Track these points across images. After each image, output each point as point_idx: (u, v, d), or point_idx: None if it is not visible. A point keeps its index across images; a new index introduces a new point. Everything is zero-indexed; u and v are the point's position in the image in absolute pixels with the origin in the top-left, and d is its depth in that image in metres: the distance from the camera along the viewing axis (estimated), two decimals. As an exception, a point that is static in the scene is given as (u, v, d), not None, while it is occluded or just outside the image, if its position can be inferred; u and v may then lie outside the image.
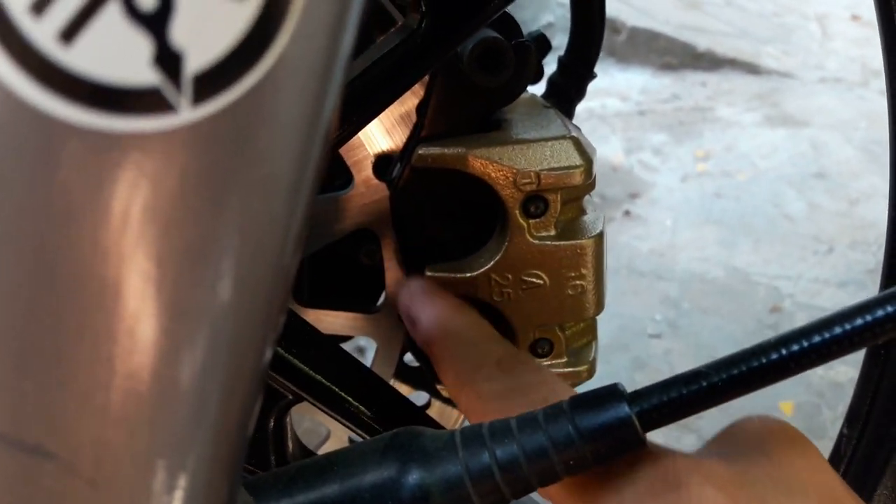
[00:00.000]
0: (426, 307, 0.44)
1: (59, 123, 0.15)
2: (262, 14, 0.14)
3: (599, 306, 0.49)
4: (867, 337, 0.30)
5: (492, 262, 0.47)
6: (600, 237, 0.48)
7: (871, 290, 1.96)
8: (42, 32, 0.14)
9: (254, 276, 0.18)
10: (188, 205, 0.16)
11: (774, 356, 0.30)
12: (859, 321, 0.30)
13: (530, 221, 0.47)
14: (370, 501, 0.29)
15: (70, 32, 0.14)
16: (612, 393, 0.30)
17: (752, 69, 3.50)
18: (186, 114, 0.15)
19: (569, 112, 0.64)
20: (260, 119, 0.16)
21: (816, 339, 0.30)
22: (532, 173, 0.46)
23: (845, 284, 1.97)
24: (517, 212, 0.46)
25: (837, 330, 0.30)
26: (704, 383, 0.30)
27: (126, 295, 0.16)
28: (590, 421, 0.30)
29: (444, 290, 0.46)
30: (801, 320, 1.83)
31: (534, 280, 0.47)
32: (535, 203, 0.46)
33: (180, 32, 0.14)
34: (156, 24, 0.14)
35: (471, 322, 0.44)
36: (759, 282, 2.00)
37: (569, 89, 0.62)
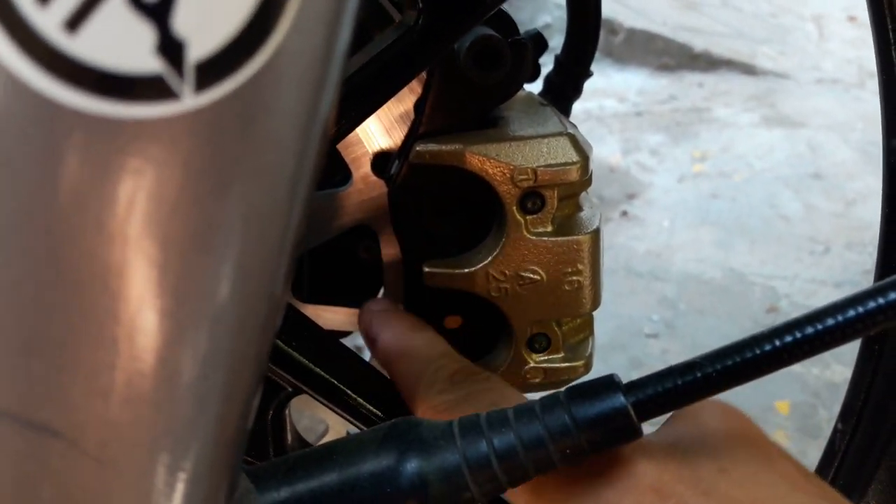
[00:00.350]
0: (384, 327, 0.46)
1: (65, 110, 0.15)
2: (262, 4, 0.15)
3: (596, 302, 0.49)
4: (860, 328, 0.30)
5: (489, 258, 0.48)
6: (597, 233, 0.48)
7: (868, 289, 1.96)
8: (48, 21, 0.14)
9: (255, 260, 0.18)
10: (191, 191, 0.16)
11: (768, 347, 0.30)
12: (852, 312, 0.30)
13: (527, 218, 0.47)
14: (369, 490, 0.29)
15: (75, 21, 0.14)
16: (608, 383, 0.31)
17: (748, 70, 3.50)
18: (189, 101, 0.15)
19: (566, 110, 0.64)
20: (261, 107, 0.16)
21: (809, 330, 0.31)
22: (529, 170, 0.46)
23: (841, 285, 1.98)
24: (514, 208, 0.47)
25: (830, 321, 0.31)
26: (699, 374, 0.30)
27: (130, 279, 0.16)
28: (586, 411, 0.30)
29: (402, 311, 0.48)
30: (797, 320, 1.83)
31: (531, 276, 0.48)
32: (532, 199, 0.47)
33: (182, 21, 0.15)
34: (158, 13, 0.14)
35: (426, 340, 0.46)
36: (756, 282, 2.01)
37: (566, 87, 0.63)
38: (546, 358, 0.50)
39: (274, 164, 0.17)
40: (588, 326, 0.52)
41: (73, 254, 0.16)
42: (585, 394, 0.30)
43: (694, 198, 2.45)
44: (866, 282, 2.02)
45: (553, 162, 0.46)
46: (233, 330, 0.18)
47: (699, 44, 3.57)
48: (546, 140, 0.47)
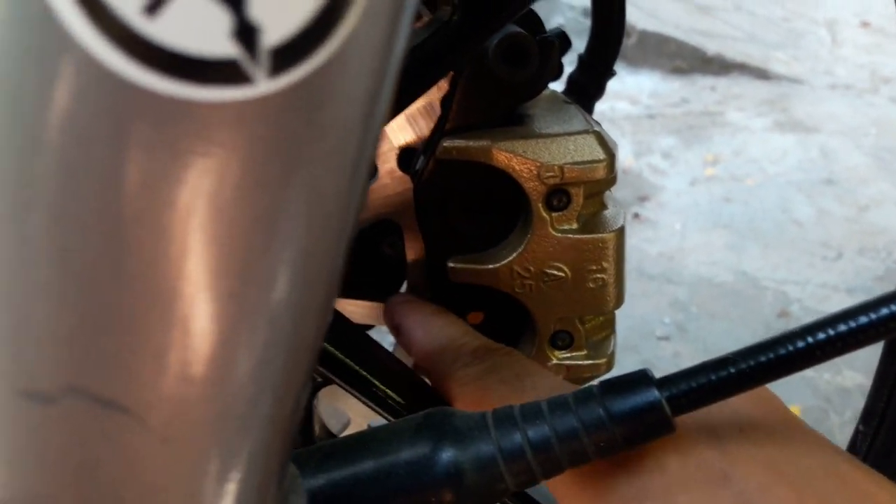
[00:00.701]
0: (407, 315, 0.47)
1: (141, 91, 0.15)
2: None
3: (619, 300, 0.50)
4: (892, 327, 0.31)
5: (514, 255, 0.48)
6: (621, 231, 0.49)
7: (880, 295, 1.96)
8: (128, 4, 0.15)
9: (317, 246, 0.18)
10: (258, 175, 0.16)
11: (801, 344, 0.31)
12: (885, 311, 0.30)
13: (553, 215, 0.47)
14: (405, 478, 0.29)
15: (154, 5, 0.15)
16: (641, 378, 0.31)
17: (761, 74, 3.50)
18: (262, 86, 0.15)
19: (588, 109, 0.64)
20: (330, 94, 0.16)
21: (842, 328, 0.31)
22: (556, 167, 0.46)
23: (853, 291, 1.98)
24: (540, 205, 0.47)
25: (863, 319, 0.31)
26: (732, 370, 0.31)
27: (198, 260, 0.17)
28: (620, 404, 0.30)
29: (423, 300, 0.49)
30: (809, 325, 1.82)
31: (556, 273, 0.48)
32: (557, 196, 0.47)
33: (258, 7, 0.15)
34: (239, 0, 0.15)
35: (447, 322, 0.47)
36: (768, 286, 2.00)
37: (588, 86, 0.63)
38: (569, 355, 0.50)
39: (338, 152, 0.17)
40: (610, 324, 0.53)
41: (144, 233, 0.16)
42: (619, 388, 0.31)
43: (706, 201, 2.45)
44: (879, 288, 2.01)
45: (580, 159, 0.47)
46: (294, 315, 0.19)
47: (712, 47, 3.57)
48: (573, 137, 0.47)
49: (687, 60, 3.52)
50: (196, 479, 0.19)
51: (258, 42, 0.15)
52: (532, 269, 0.48)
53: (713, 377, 0.31)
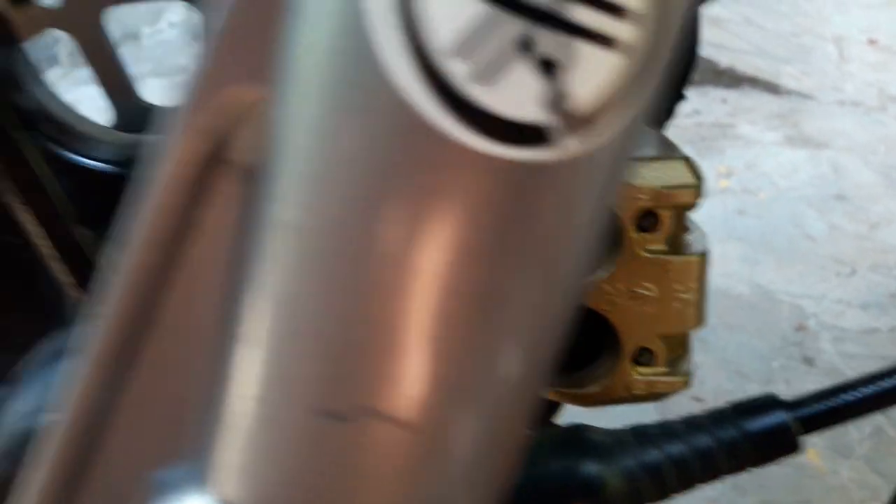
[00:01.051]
0: None
1: (460, 146, 0.17)
2: (642, 69, 0.17)
3: (701, 320, 0.52)
4: None
5: (603, 272, 0.50)
6: (707, 255, 0.51)
7: (894, 313, 1.99)
8: (461, 72, 0.17)
9: (570, 282, 0.21)
10: (543, 220, 0.18)
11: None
12: None
13: (643, 235, 0.49)
14: (553, 487, 0.31)
15: (488, 75, 0.17)
16: (771, 401, 0.33)
17: (771, 88, 3.52)
18: (565, 149, 0.17)
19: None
20: (615, 159, 0.18)
21: (956, 359, 0.33)
22: (649, 190, 0.49)
23: (868, 307, 2.00)
24: (631, 226, 0.49)
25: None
26: (855, 394, 0.33)
27: (486, 297, 0.19)
28: (751, 425, 0.32)
29: None
30: (826, 340, 1.86)
31: (643, 292, 0.50)
32: (648, 219, 0.49)
33: (573, 81, 0.17)
34: (555, 73, 0.17)
35: None
36: (783, 300, 2.03)
37: (659, 111, 0.65)
38: (650, 371, 0.53)
39: (601, 206, 0.19)
40: (687, 343, 0.55)
41: (444, 275, 0.18)
42: (750, 410, 0.33)
43: (720, 213, 2.47)
44: (892, 305, 2.02)
45: (671, 184, 0.49)
46: (536, 352, 0.21)
47: (724, 60, 3.58)
48: (664, 163, 0.50)
49: (699, 72, 3.54)
50: (454, 488, 0.21)
51: (568, 111, 0.17)
52: (620, 286, 0.50)
53: (837, 402, 0.33)
